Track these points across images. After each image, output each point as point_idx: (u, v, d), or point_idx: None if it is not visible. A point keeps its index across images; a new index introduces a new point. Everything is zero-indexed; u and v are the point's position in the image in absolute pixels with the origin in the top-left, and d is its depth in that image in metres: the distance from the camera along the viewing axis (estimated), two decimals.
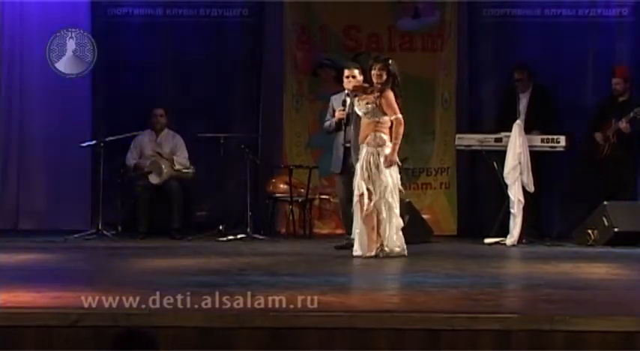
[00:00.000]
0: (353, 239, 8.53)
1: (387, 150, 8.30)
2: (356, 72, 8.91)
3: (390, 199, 8.29)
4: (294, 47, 11.00)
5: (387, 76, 8.36)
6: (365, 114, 8.38)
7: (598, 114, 10.26)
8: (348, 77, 8.97)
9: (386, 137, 8.33)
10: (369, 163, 8.28)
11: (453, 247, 9.62)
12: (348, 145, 8.92)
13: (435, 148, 10.85)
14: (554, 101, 10.29)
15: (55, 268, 7.52)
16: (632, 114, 9.90)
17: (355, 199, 8.34)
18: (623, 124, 9.94)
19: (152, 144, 10.50)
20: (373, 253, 8.23)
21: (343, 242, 8.90)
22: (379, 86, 8.36)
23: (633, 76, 10.18)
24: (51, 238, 9.69)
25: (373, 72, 8.41)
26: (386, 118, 8.34)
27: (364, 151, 8.33)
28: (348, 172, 8.85)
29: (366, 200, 8.22)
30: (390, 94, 8.35)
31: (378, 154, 8.29)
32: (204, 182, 10.70)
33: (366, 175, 8.26)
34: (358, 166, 8.36)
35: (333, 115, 9.12)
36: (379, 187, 8.26)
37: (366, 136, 8.34)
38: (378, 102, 8.32)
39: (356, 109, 8.48)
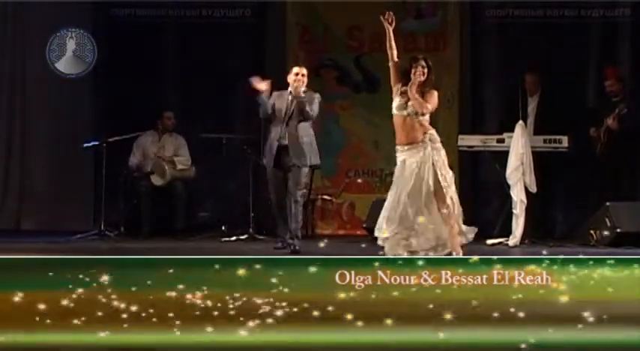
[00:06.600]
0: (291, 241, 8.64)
1: (441, 146, 8.14)
2: (305, 71, 8.92)
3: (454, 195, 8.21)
4: (297, 47, 11.02)
5: (428, 74, 8.19)
6: (411, 113, 8.02)
7: (596, 114, 10.25)
8: (297, 74, 8.92)
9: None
10: (436, 160, 8.09)
11: None
12: (284, 142, 8.85)
13: None
14: (563, 103, 10.27)
15: None
16: (617, 110, 9.90)
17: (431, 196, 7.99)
18: (610, 121, 9.94)
19: (155, 145, 10.52)
20: (461, 253, 7.89)
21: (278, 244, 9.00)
22: (422, 83, 8.17)
23: (633, 76, 10.16)
24: (53, 239, 9.70)
25: (416, 70, 8.06)
26: (427, 116, 8.18)
27: (423, 151, 7.97)
28: (280, 169, 8.84)
29: (449, 199, 8.06)
30: (436, 93, 8.13)
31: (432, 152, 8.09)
32: (207, 183, 10.72)
33: (437, 172, 8.06)
34: (431, 163, 7.95)
35: (273, 111, 8.97)
36: (451, 183, 8.13)
37: (418, 137, 8.01)
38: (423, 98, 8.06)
39: (395, 109, 8.05)
